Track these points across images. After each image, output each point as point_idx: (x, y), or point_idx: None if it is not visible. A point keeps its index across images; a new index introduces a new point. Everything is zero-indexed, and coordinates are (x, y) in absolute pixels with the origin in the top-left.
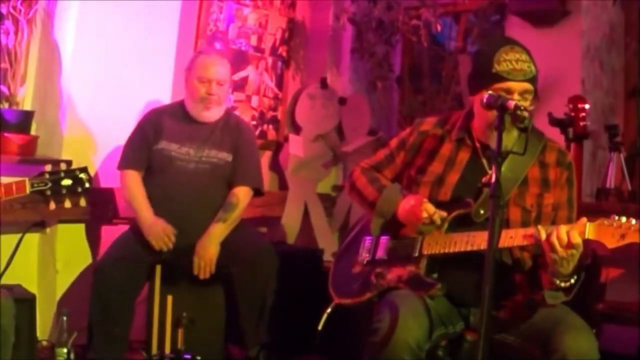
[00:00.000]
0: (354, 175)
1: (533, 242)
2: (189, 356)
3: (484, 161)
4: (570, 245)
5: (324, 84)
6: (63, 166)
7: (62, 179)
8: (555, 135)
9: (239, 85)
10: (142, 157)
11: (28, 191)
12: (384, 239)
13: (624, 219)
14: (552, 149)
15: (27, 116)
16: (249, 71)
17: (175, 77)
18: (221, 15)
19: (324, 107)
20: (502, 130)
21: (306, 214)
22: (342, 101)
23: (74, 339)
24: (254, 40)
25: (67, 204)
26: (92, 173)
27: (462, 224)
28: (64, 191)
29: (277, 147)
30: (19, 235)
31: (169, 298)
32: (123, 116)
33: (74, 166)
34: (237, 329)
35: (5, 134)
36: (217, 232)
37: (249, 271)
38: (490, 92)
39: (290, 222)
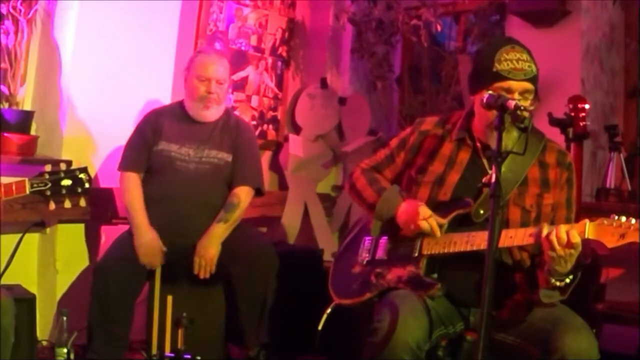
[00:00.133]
0: (354, 177)
1: (533, 242)
2: (189, 356)
3: (484, 161)
4: (569, 245)
5: (324, 84)
6: (63, 166)
7: (62, 179)
8: (555, 135)
9: (239, 85)
10: (142, 158)
11: (28, 191)
12: (383, 239)
13: (623, 219)
14: (552, 149)
15: (27, 116)
16: (249, 71)
17: (175, 77)
18: (221, 15)
19: (324, 107)
20: (502, 130)
21: (306, 214)
22: (342, 101)
23: (74, 339)
24: (254, 40)
25: (67, 204)
26: (91, 173)
27: (462, 224)
28: (64, 191)
29: (277, 147)
30: (19, 235)
31: (169, 298)
32: (123, 116)
33: (73, 166)
34: (237, 329)
35: (5, 134)
36: (218, 232)
37: (249, 271)
38: (490, 92)
39: (290, 222)
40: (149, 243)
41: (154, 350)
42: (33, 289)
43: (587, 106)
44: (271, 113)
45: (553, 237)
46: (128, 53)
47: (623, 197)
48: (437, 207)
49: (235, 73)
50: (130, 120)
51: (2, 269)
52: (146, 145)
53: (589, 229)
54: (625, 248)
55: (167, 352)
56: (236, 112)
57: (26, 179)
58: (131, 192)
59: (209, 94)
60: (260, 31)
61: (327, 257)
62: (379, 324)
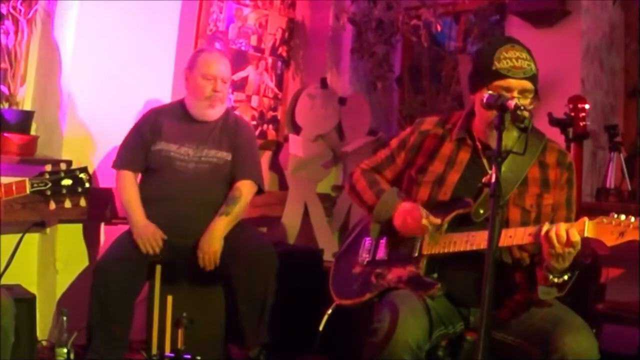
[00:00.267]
0: (354, 178)
1: (532, 241)
2: (189, 356)
3: (485, 161)
4: (569, 243)
5: (324, 84)
6: (63, 166)
7: (62, 178)
8: (555, 135)
9: (239, 85)
10: (138, 157)
11: (28, 191)
12: (384, 240)
13: (623, 217)
14: (553, 149)
15: (27, 116)
16: (249, 71)
17: (175, 77)
18: (221, 15)
19: (324, 107)
20: (502, 130)
21: (306, 214)
22: (342, 101)
23: (74, 339)
24: (254, 40)
25: (67, 203)
26: (91, 173)
27: (462, 223)
28: (64, 191)
29: (277, 147)
30: (19, 235)
31: (169, 298)
32: (123, 116)
33: (73, 166)
34: (237, 329)
35: (5, 134)
36: (220, 226)
37: (249, 271)
38: (490, 92)
39: (290, 222)
40: (148, 230)
41: (154, 350)
42: (33, 289)
43: (587, 106)
44: (271, 113)
45: (552, 235)
46: (128, 53)
47: (623, 197)
48: (437, 207)
49: (235, 73)
50: (130, 120)
51: (2, 269)
52: (143, 144)
53: (588, 227)
54: (625, 247)
55: (167, 352)
56: (236, 112)
57: (26, 179)
58: (127, 189)
59: (215, 93)
60: (260, 31)
61: (327, 257)
62: (379, 324)
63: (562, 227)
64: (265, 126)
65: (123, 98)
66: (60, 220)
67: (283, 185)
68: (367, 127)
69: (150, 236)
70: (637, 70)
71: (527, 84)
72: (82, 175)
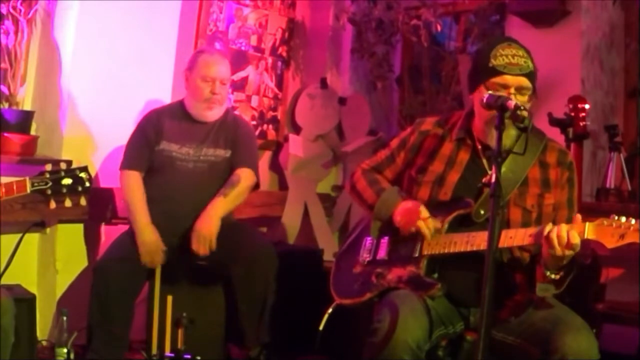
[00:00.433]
0: (355, 177)
1: (533, 242)
2: (189, 356)
3: (484, 161)
4: (569, 245)
5: (324, 84)
6: (63, 165)
7: (63, 178)
8: (555, 135)
9: (239, 85)
10: (144, 158)
11: (29, 190)
12: (384, 240)
13: (623, 219)
14: (553, 149)
15: (27, 116)
16: (249, 71)
17: (175, 77)
18: (221, 15)
19: (324, 107)
20: (502, 130)
21: (306, 214)
22: (342, 101)
23: (74, 339)
24: (254, 40)
25: (68, 203)
26: (92, 173)
27: (462, 224)
28: (65, 190)
29: (277, 147)
30: (19, 235)
31: (169, 298)
32: (123, 116)
33: (73, 166)
34: (237, 329)
35: (5, 134)
36: (216, 207)
37: (249, 271)
38: (490, 91)
39: (290, 222)
40: (151, 242)
41: (154, 350)
42: (33, 289)
43: (587, 106)
44: (271, 113)
45: (554, 236)
46: (128, 53)
47: (623, 197)
48: (438, 207)
49: (235, 73)
50: (130, 120)
51: (2, 269)
52: (148, 144)
53: (588, 229)
54: (625, 248)
55: (167, 352)
56: (236, 112)
57: (27, 178)
58: (133, 190)
59: (213, 95)
60: (260, 31)
61: (327, 257)
62: (379, 324)
63: (564, 228)
64: (265, 126)
65: (123, 98)
66: (60, 220)
67: (283, 185)
68: (367, 127)
69: (152, 249)
70: (637, 70)
71: (524, 81)
72: (82, 175)
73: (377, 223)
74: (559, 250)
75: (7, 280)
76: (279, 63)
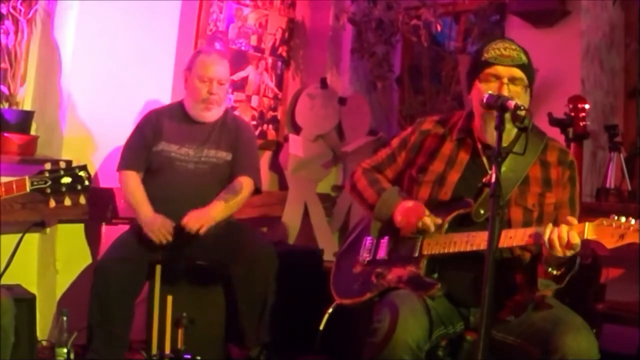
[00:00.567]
0: (355, 177)
1: (532, 242)
2: (189, 356)
3: (485, 161)
4: (569, 246)
5: (324, 84)
6: (62, 164)
7: (62, 176)
8: (555, 135)
9: (239, 85)
10: (141, 158)
11: (28, 189)
12: (384, 239)
13: (623, 219)
14: (554, 147)
15: (27, 116)
16: (249, 71)
17: (175, 77)
18: (221, 15)
19: (324, 107)
20: (502, 130)
21: (306, 214)
22: (342, 101)
23: (74, 339)
24: (254, 40)
25: (67, 201)
26: (92, 173)
27: (463, 224)
28: (64, 189)
29: (277, 147)
30: (19, 235)
31: (169, 298)
32: (123, 116)
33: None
34: (237, 329)
35: (5, 134)
36: (216, 208)
37: (249, 271)
38: (490, 91)
39: (290, 222)
40: (157, 221)
41: (154, 350)
42: (33, 289)
43: (587, 106)
44: (271, 113)
45: (554, 237)
46: (128, 53)
47: (623, 197)
48: (438, 207)
49: (235, 73)
50: (130, 120)
51: (2, 269)
52: (146, 145)
53: (588, 229)
54: (625, 248)
55: (167, 352)
56: (236, 112)
57: (26, 177)
58: (132, 189)
59: (210, 95)
60: (260, 31)
61: (327, 257)
62: (379, 324)
63: (564, 229)
64: (265, 126)
65: (123, 98)
66: (60, 220)
67: (283, 185)
68: (367, 127)
69: (160, 226)
70: (637, 70)
71: (516, 71)
72: (81, 173)
73: (378, 223)
74: (559, 251)
75: (7, 280)
76: (279, 63)
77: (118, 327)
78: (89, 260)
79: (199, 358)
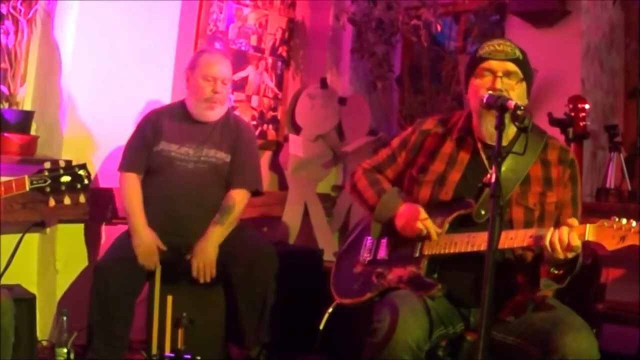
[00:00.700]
0: (356, 177)
1: (533, 244)
2: (189, 356)
3: (485, 161)
4: (570, 248)
5: (324, 84)
6: (62, 163)
7: (61, 175)
8: (555, 135)
9: (239, 85)
10: (142, 159)
11: (28, 188)
12: (384, 239)
13: (624, 221)
14: (554, 146)
15: (27, 116)
16: (249, 71)
17: (175, 77)
18: (221, 15)
19: (324, 107)
20: (503, 130)
21: (306, 214)
22: (342, 101)
23: (74, 339)
24: (254, 40)
25: (67, 200)
26: (92, 173)
27: (463, 224)
28: (63, 188)
29: (277, 147)
30: (19, 235)
31: (169, 298)
32: (123, 116)
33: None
34: (237, 329)
35: (5, 134)
36: (214, 235)
37: (249, 272)
38: (490, 92)
39: (290, 222)
40: (147, 243)
41: (154, 350)
42: (33, 289)
43: (587, 106)
44: (271, 113)
45: (555, 240)
46: (128, 53)
47: (623, 197)
48: (439, 207)
49: (235, 73)
50: (130, 120)
51: (2, 269)
52: (146, 145)
53: (589, 231)
54: (625, 248)
55: (167, 352)
56: (236, 112)
57: (26, 176)
58: (130, 193)
59: (214, 94)
60: (260, 31)
61: (327, 257)
62: (379, 324)
63: (564, 231)
64: (265, 126)
65: (123, 98)
66: (60, 220)
67: (283, 185)
68: (367, 127)
69: (148, 250)
70: (637, 70)
71: (510, 65)
72: (81, 172)
73: (378, 225)
74: (560, 254)
75: (7, 280)
76: (279, 63)
77: (118, 327)
78: (89, 261)
79: (199, 358)
